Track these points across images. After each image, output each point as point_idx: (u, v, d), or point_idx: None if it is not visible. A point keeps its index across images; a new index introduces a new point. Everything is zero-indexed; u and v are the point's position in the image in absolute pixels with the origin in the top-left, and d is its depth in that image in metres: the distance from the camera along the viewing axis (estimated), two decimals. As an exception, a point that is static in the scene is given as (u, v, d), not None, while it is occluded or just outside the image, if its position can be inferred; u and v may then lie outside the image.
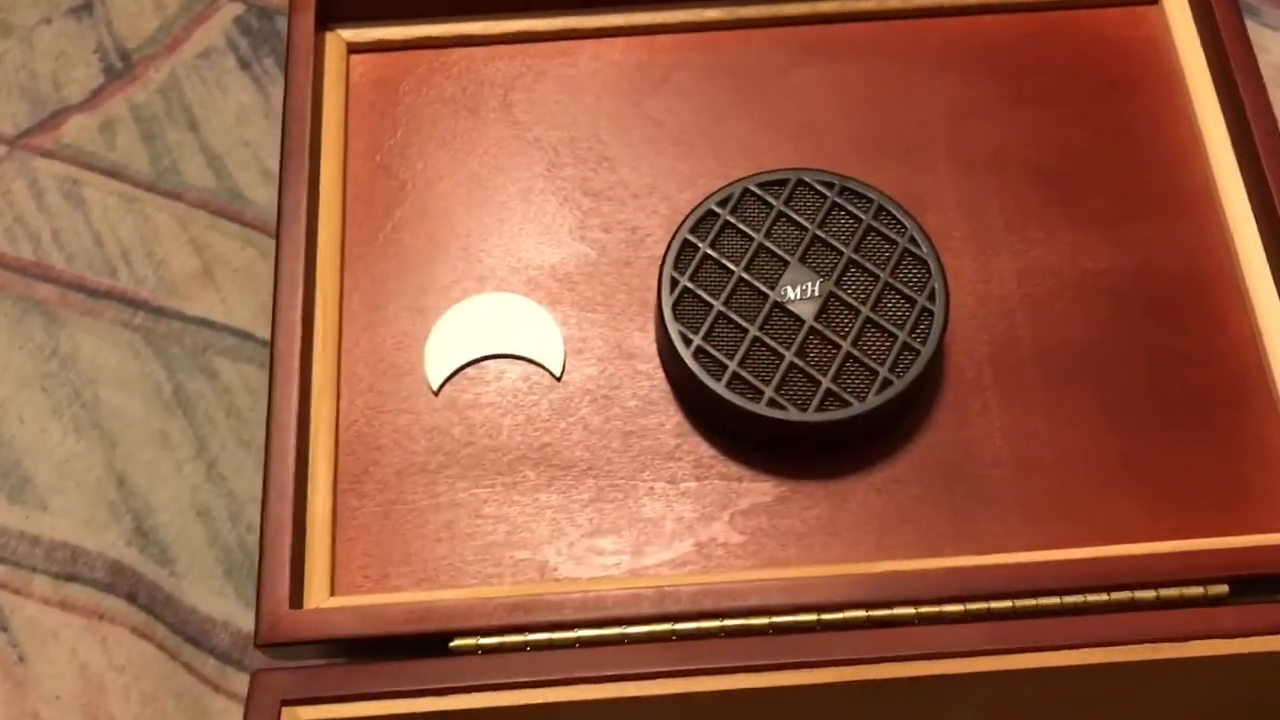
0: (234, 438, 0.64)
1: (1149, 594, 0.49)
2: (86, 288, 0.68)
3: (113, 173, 0.71)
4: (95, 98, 0.74)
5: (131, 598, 0.60)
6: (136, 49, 0.75)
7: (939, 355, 0.54)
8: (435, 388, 0.55)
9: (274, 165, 0.67)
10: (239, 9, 0.76)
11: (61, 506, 0.62)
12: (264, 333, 0.64)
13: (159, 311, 0.67)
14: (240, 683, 0.56)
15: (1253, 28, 0.73)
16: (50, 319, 0.67)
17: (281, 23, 0.67)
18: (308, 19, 0.59)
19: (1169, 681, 0.48)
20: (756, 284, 0.53)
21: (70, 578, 0.60)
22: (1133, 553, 0.50)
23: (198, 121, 0.73)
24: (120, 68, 0.75)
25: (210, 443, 0.64)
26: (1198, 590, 0.49)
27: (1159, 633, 0.47)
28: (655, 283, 0.55)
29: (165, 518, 0.62)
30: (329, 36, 0.61)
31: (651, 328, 0.56)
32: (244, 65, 0.74)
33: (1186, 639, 0.47)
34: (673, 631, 0.49)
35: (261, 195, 0.69)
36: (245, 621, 0.58)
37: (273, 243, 0.56)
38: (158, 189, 0.71)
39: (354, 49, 0.61)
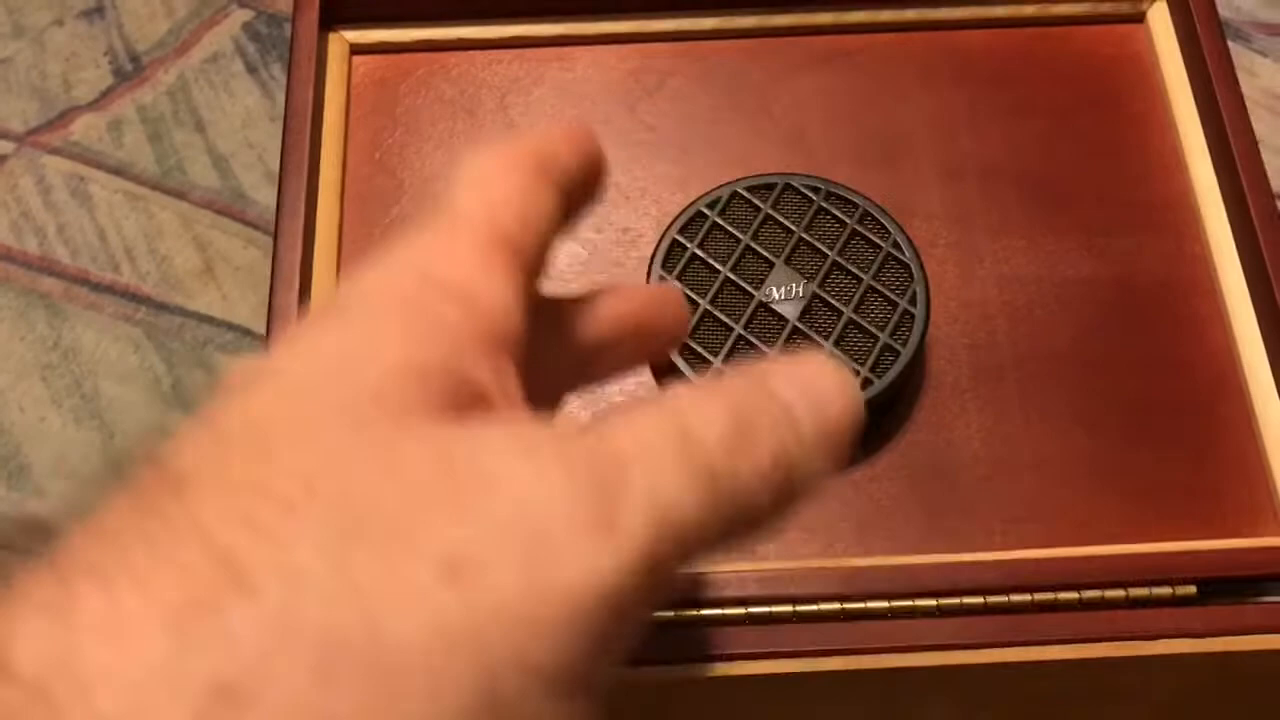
0: (230, 430, 0.65)
1: (1119, 593, 0.50)
2: (90, 282, 0.69)
3: (119, 171, 0.73)
4: (104, 98, 0.75)
5: (124, 584, 0.61)
6: (146, 52, 0.77)
7: (919, 357, 0.55)
8: (426, 380, 0.56)
9: (278, 167, 0.68)
10: (248, 15, 0.78)
11: (58, 494, 0.63)
12: (263, 329, 0.65)
13: (161, 307, 0.68)
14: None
15: (1243, 52, 0.75)
16: (53, 311, 0.68)
17: (289, 29, 0.69)
18: (312, 18, 0.61)
19: (1136, 678, 0.49)
20: (742, 284, 0.54)
21: (64, 562, 0.61)
22: (1104, 553, 0.51)
23: (204, 123, 0.74)
24: (130, 70, 0.76)
25: (206, 434, 0.65)
26: (1166, 591, 0.50)
27: (1128, 631, 0.48)
28: (644, 282, 0.56)
29: (160, 506, 0.63)
30: (332, 37, 0.62)
31: (639, 326, 0.57)
32: (251, 70, 0.76)
33: (1155, 637, 0.48)
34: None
35: (265, 196, 0.71)
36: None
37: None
38: (163, 187, 0.72)
39: (356, 50, 0.63)
